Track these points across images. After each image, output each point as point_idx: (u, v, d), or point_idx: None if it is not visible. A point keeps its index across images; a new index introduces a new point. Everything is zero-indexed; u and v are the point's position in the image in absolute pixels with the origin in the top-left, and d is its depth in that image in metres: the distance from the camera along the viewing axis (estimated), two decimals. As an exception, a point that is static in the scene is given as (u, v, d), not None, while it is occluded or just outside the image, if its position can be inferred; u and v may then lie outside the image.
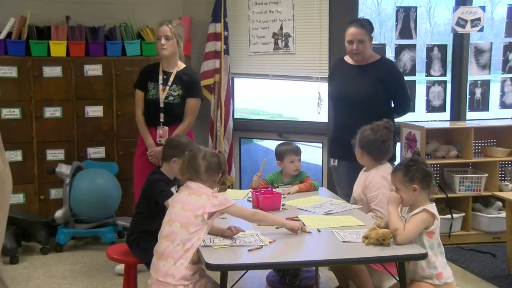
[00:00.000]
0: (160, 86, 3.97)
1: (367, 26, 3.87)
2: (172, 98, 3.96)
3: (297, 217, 3.03)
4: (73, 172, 4.54)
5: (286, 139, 5.07)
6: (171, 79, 3.97)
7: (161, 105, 3.96)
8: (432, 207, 2.69)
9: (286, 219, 3.00)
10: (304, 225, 2.83)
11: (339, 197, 3.56)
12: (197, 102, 4.05)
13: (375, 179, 3.21)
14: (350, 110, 3.92)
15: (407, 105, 4.05)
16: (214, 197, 2.61)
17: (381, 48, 4.95)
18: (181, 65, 4.05)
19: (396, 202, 2.72)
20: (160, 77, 3.99)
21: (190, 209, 2.60)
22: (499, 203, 4.73)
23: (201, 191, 2.64)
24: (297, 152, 3.78)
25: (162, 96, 3.95)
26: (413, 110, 4.14)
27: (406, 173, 2.72)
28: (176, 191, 3.18)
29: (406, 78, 4.92)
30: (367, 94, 3.85)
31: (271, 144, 6.53)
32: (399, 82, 3.95)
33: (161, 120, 3.97)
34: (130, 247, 3.19)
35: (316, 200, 3.43)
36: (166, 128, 3.97)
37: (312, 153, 5.58)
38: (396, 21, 4.93)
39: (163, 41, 3.91)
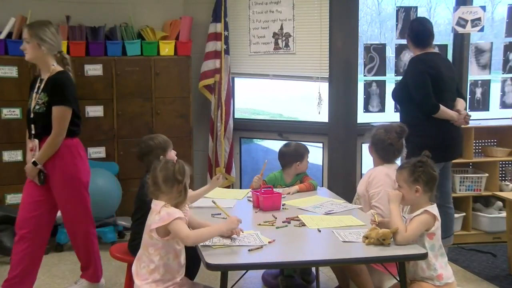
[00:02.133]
0: (33, 95, 3.48)
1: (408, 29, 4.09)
2: (38, 107, 3.42)
3: (298, 217, 3.03)
4: (73, 172, 4.54)
5: (287, 139, 5.07)
6: (42, 86, 3.45)
7: (31, 115, 3.47)
8: (433, 208, 2.68)
9: (286, 219, 3.01)
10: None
11: (339, 197, 3.56)
12: (60, 110, 3.39)
13: (379, 176, 3.23)
14: (400, 110, 4.16)
15: (420, 105, 3.87)
16: (158, 213, 2.55)
17: (381, 48, 4.96)
18: (55, 70, 3.47)
19: (397, 201, 2.71)
20: (36, 85, 3.50)
21: (145, 230, 2.63)
22: (500, 203, 4.73)
23: (154, 209, 2.59)
24: None
25: (32, 105, 3.46)
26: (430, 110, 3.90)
27: (412, 173, 2.71)
28: None
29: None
30: (394, 95, 4.13)
31: (272, 144, 6.52)
32: (408, 80, 3.92)
33: (32, 132, 3.48)
34: (133, 253, 3.18)
35: (317, 200, 3.43)
36: (36, 141, 3.46)
37: (312, 153, 5.56)
38: (397, 21, 4.93)
39: (23, 45, 3.46)
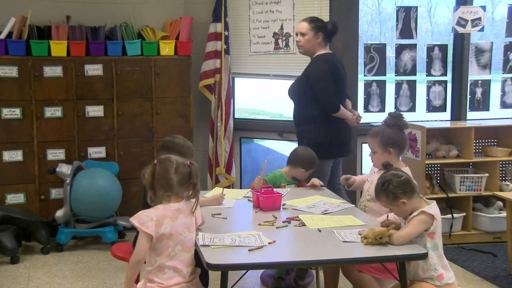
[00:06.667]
0: None
1: (314, 22, 4.06)
2: None
3: (298, 217, 3.03)
4: (73, 172, 4.54)
5: (287, 139, 5.07)
6: None
7: None
8: (430, 208, 2.65)
9: (287, 218, 3.00)
10: None
11: (339, 197, 3.55)
12: None
13: None
14: (294, 106, 4.21)
15: (323, 104, 3.96)
16: (189, 215, 2.57)
17: (381, 48, 4.96)
18: None
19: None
20: None
21: (192, 230, 2.59)
22: (500, 203, 4.73)
23: (182, 211, 2.55)
24: None
25: None
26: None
27: (387, 195, 2.67)
28: None
29: (407, 78, 4.94)
30: (293, 91, 4.16)
31: (272, 144, 6.53)
32: (313, 78, 3.98)
33: None
34: None
35: (310, 200, 3.41)
36: None
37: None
38: (397, 21, 4.93)
39: None
